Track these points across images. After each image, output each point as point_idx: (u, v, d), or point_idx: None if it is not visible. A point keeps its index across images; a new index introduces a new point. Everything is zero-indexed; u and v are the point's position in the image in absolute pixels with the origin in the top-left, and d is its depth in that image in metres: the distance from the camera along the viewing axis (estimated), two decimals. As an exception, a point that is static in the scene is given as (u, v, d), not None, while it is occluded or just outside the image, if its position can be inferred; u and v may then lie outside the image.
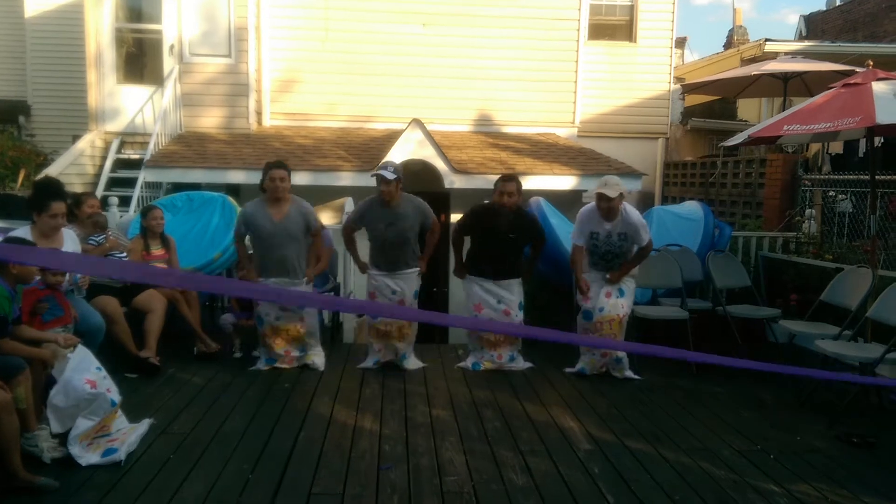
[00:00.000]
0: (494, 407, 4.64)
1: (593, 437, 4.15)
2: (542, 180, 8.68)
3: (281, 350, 5.32)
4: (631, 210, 5.32)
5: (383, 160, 8.34)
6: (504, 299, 5.44)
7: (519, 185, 5.32)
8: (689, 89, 11.52)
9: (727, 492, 3.45)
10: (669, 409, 4.71)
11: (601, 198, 5.16)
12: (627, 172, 8.94)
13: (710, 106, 12.53)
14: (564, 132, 10.75)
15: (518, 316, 5.49)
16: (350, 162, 8.60)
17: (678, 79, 12.53)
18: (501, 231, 5.33)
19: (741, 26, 16.39)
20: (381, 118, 10.19)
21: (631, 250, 5.35)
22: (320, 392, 4.85)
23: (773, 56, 10.99)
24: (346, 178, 8.32)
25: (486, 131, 10.51)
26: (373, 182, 8.24)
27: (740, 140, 5.60)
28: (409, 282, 5.33)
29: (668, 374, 5.42)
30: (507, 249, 5.41)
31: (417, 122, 8.58)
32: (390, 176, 5.05)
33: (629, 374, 5.34)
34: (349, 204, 7.05)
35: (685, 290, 6.06)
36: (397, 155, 8.30)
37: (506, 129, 10.54)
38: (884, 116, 4.66)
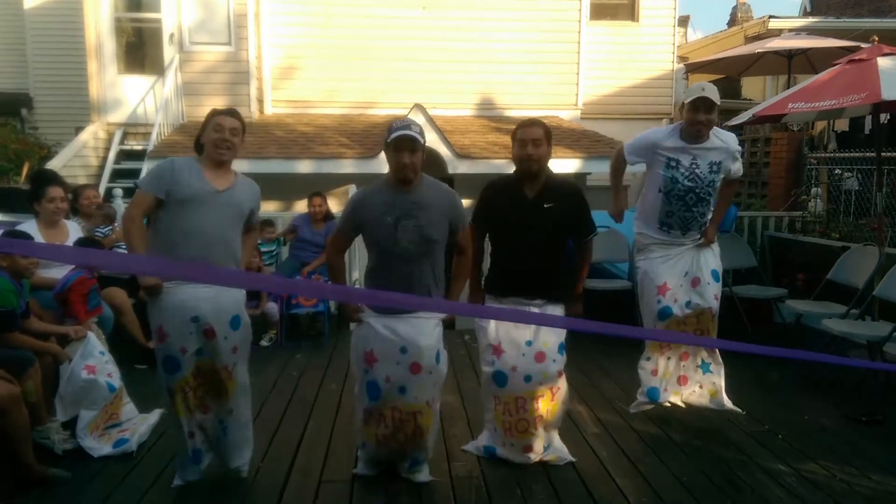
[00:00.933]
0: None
1: (601, 420, 4.16)
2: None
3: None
4: (720, 130, 3.88)
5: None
6: (538, 336, 3.45)
7: (548, 131, 3.44)
8: (692, 68, 11.43)
9: (735, 472, 3.46)
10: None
11: (697, 107, 3.65)
12: (631, 154, 8.89)
13: (714, 84, 12.46)
14: (567, 114, 10.69)
15: (556, 363, 3.50)
16: (353, 149, 8.57)
17: (681, 58, 12.42)
18: (530, 212, 3.43)
19: (745, 3, 16.21)
20: (383, 104, 10.15)
21: (714, 194, 3.91)
22: (328, 380, 4.87)
23: (777, 33, 10.88)
24: (349, 166, 8.30)
25: (489, 115, 10.46)
26: (376, 168, 8.26)
27: (745, 119, 5.56)
28: (425, 330, 3.18)
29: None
30: (540, 244, 3.45)
31: (419, 108, 8.54)
32: (418, 138, 3.07)
33: (728, 404, 4.08)
34: (353, 190, 7.02)
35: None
36: (400, 141, 8.28)
37: (508, 113, 10.47)
38: (889, 92, 4.63)
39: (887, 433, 4.00)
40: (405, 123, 3.09)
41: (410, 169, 3.04)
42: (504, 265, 3.51)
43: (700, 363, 4.09)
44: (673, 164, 3.79)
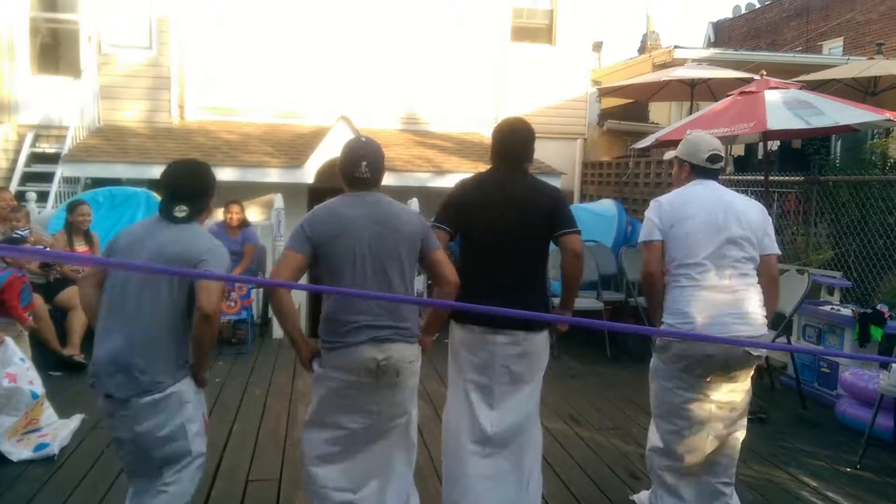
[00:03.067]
0: (425, 397, 4.86)
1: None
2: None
3: None
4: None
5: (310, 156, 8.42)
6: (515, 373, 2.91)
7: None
8: (604, 92, 12.06)
9: (635, 464, 3.80)
10: (586, 392, 5.06)
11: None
12: (548, 172, 9.33)
13: (625, 108, 13.14)
14: (489, 131, 11.05)
15: (529, 407, 2.97)
16: (277, 158, 8.61)
17: (595, 82, 13.06)
18: (511, 213, 2.92)
19: (654, 32, 17.20)
20: (309, 115, 10.21)
21: None
22: (252, 385, 4.94)
23: (682, 62, 11.64)
24: (273, 175, 8.33)
25: (413, 129, 10.70)
26: (301, 178, 8.34)
27: (649, 143, 6.03)
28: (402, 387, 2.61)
29: (587, 362, 5.79)
30: (519, 257, 2.93)
31: (345, 119, 8.68)
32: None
33: None
34: (278, 200, 7.10)
35: (600, 283, 6.46)
36: (325, 151, 8.38)
37: (431, 128, 10.75)
38: (774, 122, 5.17)
39: (769, 428, 4.46)
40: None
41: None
42: (471, 282, 2.93)
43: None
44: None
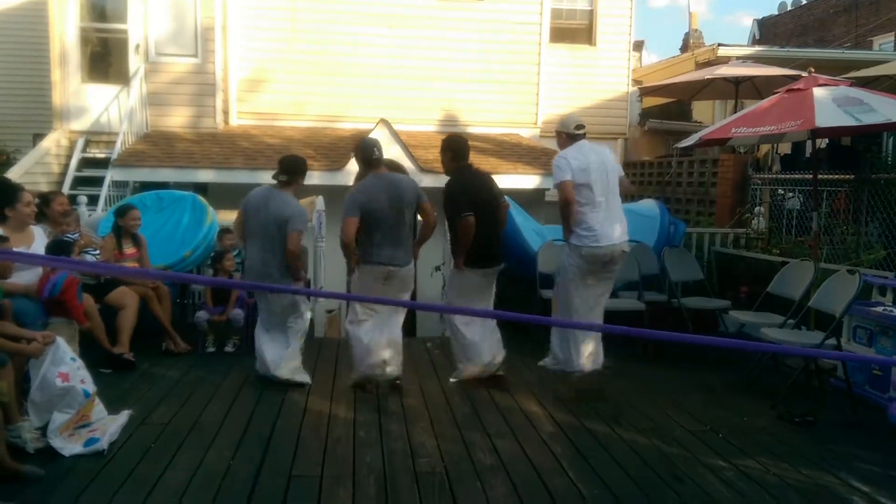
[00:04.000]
0: (462, 395, 4.86)
1: (555, 419, 4.40)
2: (506, 179, 8.93)
3: None
4: None
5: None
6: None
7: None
8: (646, 92, 11.93)
9: (678, 466, 3.73)
10: (626, 393, 4.99)
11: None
12: (588, 172, 9.24)
13: (666, 107, 12.98)
14: (527, 133, 11.03)
15: None
16: (319, 161, 8.74)
17: (636, 81, 12.93)
18: (493, 196, 5.06)
19: (696, 30, 16.94)
20: (349, 118, 10.34)
21: None
22: (294, 385, 5.00)
23: (726, 60, 11.45)
24: (315, 177, 8.44)
25: (452, 131, 10.72)
26: (342, 180, 8.43)
27: (692, 142, 5.93)
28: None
29: (624, 361, 5.70)
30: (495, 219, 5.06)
31: (384, 122, 8.76)
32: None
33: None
34: (320, 202, 7.18)
35: (642, 284, 6.37)
36: (365, 154, 8.47)
37: (470, 130, 10.77)
38: (822, 120, 5.03)
39: (817, 432, 4.33)
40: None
41: None
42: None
43: None
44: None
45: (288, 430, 4.10)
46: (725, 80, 9.96)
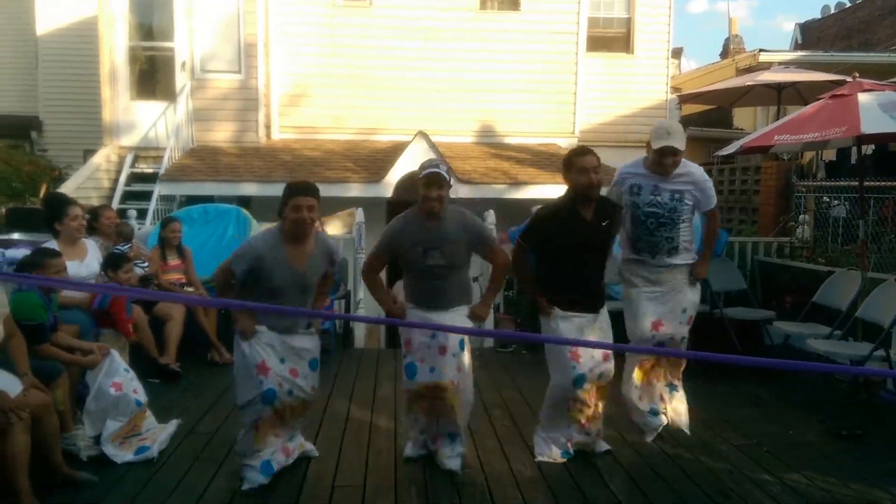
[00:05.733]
0: (503, 408, 4.87)
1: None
2: (544, 189, 8.93)
3: (278, 445, 3.68)
4: (687, 162, 4.15)
5: (391, 170, 8.61)
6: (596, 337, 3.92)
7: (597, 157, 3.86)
8: (685, 99, 11.79)
9: (724, 482, 3.68)
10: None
11: (664, 154, 3.93)
12: (626, 181, 9.17)
13: (706, 114, 12.82)
14: (565, 142, 11.01)
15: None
16: (358, 174, 8.86)
17: (675, 88, 12.80)
18: (589, 231, 3.81)
19: (737, 35, 16.69)
20: (387, 130, 10.46)
21: (683, 220, 4.10)
22: (336, 394, 5.08)
23: (768, 66, 11.26)
24: (354, 189, 8.58)
25: (489, 142, 10.78)
26: (380, 192, 8.54)
27: (734, 149, 5.86)
28: (453, 322, 3.67)
29: None
30: (596, 260, 3.92)
31: (422, 134, 8.84)
32: (446, 176, 3.59)
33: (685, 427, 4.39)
34: (359, 214, 7.29)
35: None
36: (403, 166, 8.56)
37: (507, 140, 10.80)
38: (868, 126, 4.92)
39: (866, 447, 4.23)
40: (435, 162, 3.74)
41: (436, 201, 3.56)
42: (562, 283, 3.86)
43: (669, 384, 4.38)
44: (635, 189, 4.08)
45: (330, 441, 4.16)
46: (767, 86, 9.79)
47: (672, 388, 4.37)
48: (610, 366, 3.91)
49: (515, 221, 5.58)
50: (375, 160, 9.39)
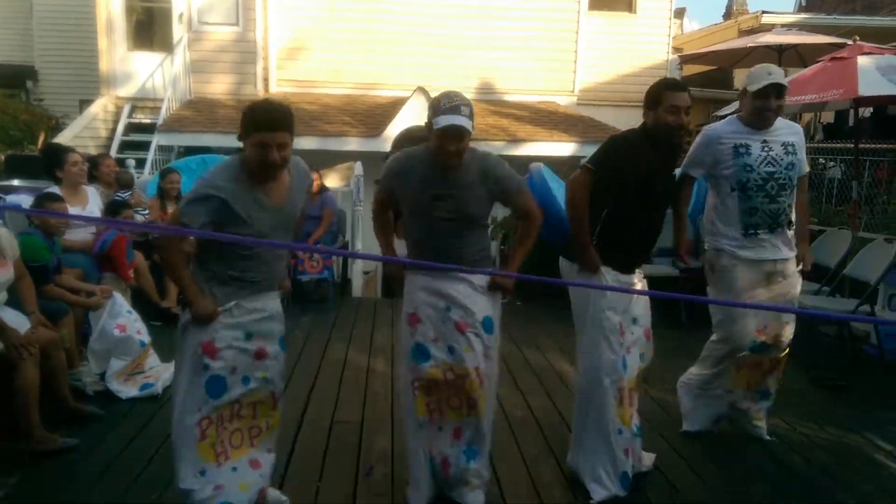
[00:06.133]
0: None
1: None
2: (542, 146, 8.97)
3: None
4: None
5: (389, 124, 8.60)
6: (639, 311, 3.21)
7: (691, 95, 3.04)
8: (686, 60, 11.74)
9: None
10: (660, 355, 5.05)
11: (768, 94, 3.23)
12: (624, 140, 9.20)
13: (707, 75, 12.76)
14: (564, 100, 10.99)
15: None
16: (356, 128, 8.87)
17: (676, 49, 12.72)
18: (663, 177, 3.10)
19: (740, -4, 16.49)
20: (387, 86, 10.42)
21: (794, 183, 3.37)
22: (334, 340, 5.20)
23: (770, 28, 11.18)
24: (352, 144, 8.59)
25: (489, 99, 10.75)
26: (379, 147, 8.55)
27: (731, 111, 5.89)
28: (475, 296, 2.83)
29: (659, 326, 5.75)
30: (659, 215, 3.16)
31: (422, 90, 8.82)
32: (468, 127, 2.66)
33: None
34: (358, 167, 7.32)
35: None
36: (402, 121, 8.56)
37: (507, 98, 10.78)
38: (866, 89, 4.99)
39: (848, 397, 4.38)
40: (454, 104, 2.66)
41: (455, 156, 2.70)
42: (622, 234, 3.05)
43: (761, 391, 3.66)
44: (742, 150, 3.29)
45: (329, 381, 4.29)
46: (768, 47, 9.73)
47: (763, 395, 3.63)
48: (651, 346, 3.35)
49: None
50: (374, 115, 9.38)
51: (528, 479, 3.14)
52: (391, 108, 9.39)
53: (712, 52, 10.44)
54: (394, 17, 10.37)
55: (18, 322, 3.41)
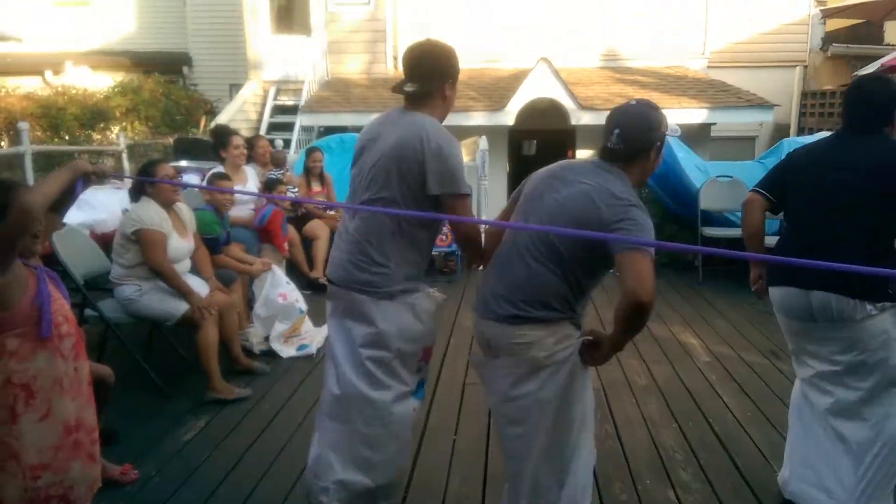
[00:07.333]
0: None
1: (712, 351, 4.59)
2: (670, 114, 8.80)
3: None
4: None
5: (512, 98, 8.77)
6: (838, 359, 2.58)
7: None
8: (830, 13, 10.97)
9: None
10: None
11: None
12: (758, 104, 8.86)
13: (854, 29, 11.83)
14: (695, 63, 10.65)
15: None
16: (480, 102, 9.10)
17: (820, 2, 11.89)
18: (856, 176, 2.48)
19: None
20: (510, 58, 10.55)
21: None
22: (463, 309, 5.56)
23: (930, -27, 10.21)
24: (477, 118, 8.84)
25: (614, 66, 10.62)
26: (503, 121, 8.75)
27: (872, 69, 5.60)
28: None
29: None
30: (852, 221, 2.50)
31: (545, 61, 8.89)
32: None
33: None
34: (483, 142, 7.58)
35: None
36: (526, 94, 8.71)
37: (633, 64, 10.59)
38: None
39: None
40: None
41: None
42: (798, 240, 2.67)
43: None
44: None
45: (460, 349, 4.65)
46: (926, -4, 8.97)
47: None
48: None
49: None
50: (497, 88, 9.56)
51: (651, 443, 3.34)
52: (514, 80, 9.53)
53: (859, 3, 9.74)
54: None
55: (199, 287, 3.99)
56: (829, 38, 11.58)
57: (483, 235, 2.45)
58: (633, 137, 2.14)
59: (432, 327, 2.45)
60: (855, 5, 9.84)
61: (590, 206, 2.06)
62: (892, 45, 11.57)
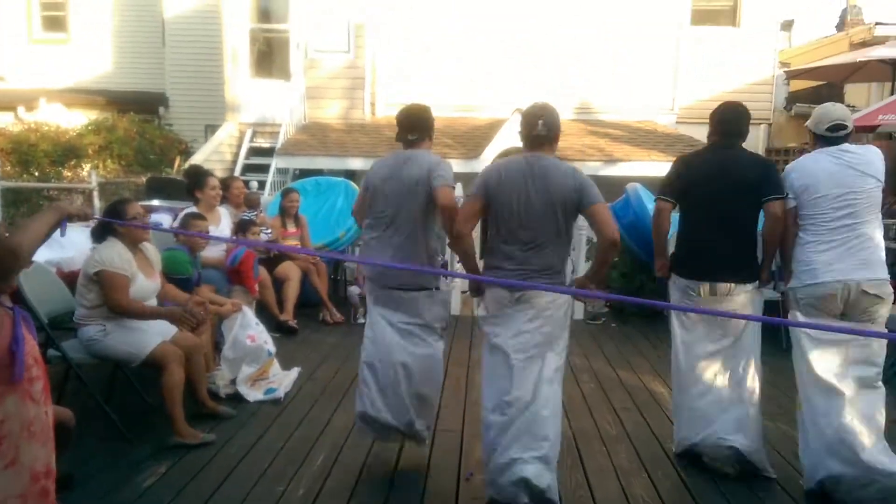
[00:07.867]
0: (590, 372, 5.18)
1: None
2: (639, 166, 9.02)
3: None
4: None
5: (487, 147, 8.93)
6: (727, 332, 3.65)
7: None
8: (793, 75, 11.42)
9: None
10: (767, 381, 5.07)
11: None
12: (726, 159, 9.09)
13: (816, 90, 12.32)
14: (664, 119, 10.96)
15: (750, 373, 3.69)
16: (456, 150, 9.24)
17: (783, 63, 12.39)
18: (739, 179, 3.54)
19: (855, 6, 15.75)
20: (485, 108, 10.77)
21: None
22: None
23: (884, 40, 10.73)
24: (453, 165, 8.91)
25: (586, 119, 10.89)
26: (477, 168, 8.87)
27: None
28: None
29: (767, 356, 5.74)
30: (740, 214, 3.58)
31: (519, 112, 9.06)
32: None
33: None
34: (458, 189, 7.65)
35: (777, 274, 6.32)
36: (500, 143, 8.87)
37: (604, 117, 10.87)
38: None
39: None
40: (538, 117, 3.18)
41: None
42: (695, 237, 3.81)
43: None
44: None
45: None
46: (882, 61, 9.39)
47: None
48: None
49: (609, 199, 5.78)
50: (473, 136, 9.74)
51: (621, 492, 3.32)
52: (489, 129, 9.72)
53: (821, 67, 10.17)
54: (491, 39, 10.70)
55: (165, 327, 3.92)
56: (793, 98, 12.03)
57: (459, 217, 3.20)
58: (554, 125, 3.15)
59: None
60: (817, 68, 10.27)
61: (566, 181, 3.01)
62: (853, 106, 12.05)
